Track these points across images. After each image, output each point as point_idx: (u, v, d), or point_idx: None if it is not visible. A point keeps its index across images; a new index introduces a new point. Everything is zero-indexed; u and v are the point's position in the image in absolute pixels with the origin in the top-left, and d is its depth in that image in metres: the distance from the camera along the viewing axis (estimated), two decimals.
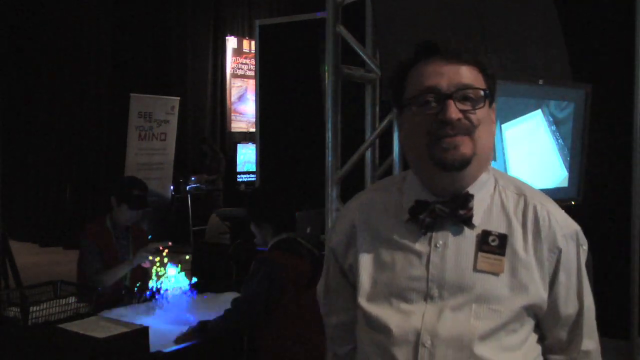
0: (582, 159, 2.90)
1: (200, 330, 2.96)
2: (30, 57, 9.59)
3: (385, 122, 2.51)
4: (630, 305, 3.75)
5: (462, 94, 1.29)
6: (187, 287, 3.50)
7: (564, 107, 2.81)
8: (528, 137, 2.69)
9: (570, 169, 2.86)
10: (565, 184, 2.88)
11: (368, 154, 2.56)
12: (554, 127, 2.77)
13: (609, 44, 3.85)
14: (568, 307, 1.36)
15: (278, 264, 2.97)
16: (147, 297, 3.52)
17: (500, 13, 2.65)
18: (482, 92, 1.31)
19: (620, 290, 3.79)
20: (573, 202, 2.90)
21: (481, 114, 1.30)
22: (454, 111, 1.27)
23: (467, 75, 1.31)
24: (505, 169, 2.58)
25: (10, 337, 2.96)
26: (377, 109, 2.68)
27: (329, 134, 2.48)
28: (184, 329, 3.04)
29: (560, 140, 2.81)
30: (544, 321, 1.36)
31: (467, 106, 1.29)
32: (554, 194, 2.77)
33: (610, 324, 3.76)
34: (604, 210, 3.91)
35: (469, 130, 1.29)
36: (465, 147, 1.28)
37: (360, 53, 2.54)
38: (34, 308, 2.92)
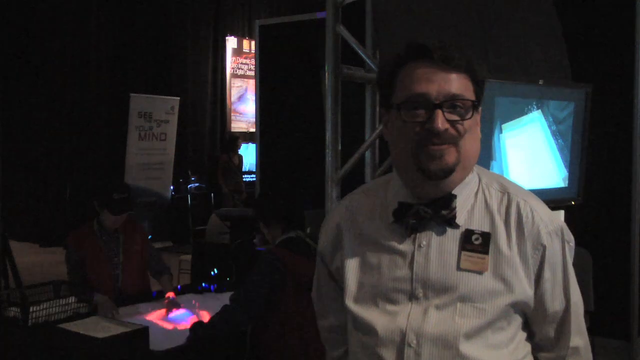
0: (582, 159, 2.90)
1: (193, 333, 2.94)
2: (30, 57, 9.59)
3: None
4: (630, 305, 3.75)
5: (451, 104, 1.28)
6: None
7: (564, 107, 2.81)
8: (528, 137, 2.69)
9: (570, 169, 2.86)
10: (565, 184, 2.88)
11: (368, 154, 2.56)
12: (554, 127, 2.77)
13: (609, 44, 3.84)
14: (554, 304, 1.36)
15: (281, 262, 2.97)
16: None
17: (501, 13, 2.65)
18: (470, 103, 1.30)
19: (620, 290, 3.79)
20: (573, 202, 2.90)
21: (468, 122, 1.30)
22: (441, 121, 1.27)
23: (457, 84, 1.30)
24: (504, 169, 2.58)
25: (10, 337, 2.96)
26: (377, 109, 2.68)
27: (329, 134, 2.47)
28: (183, 329, 3.04)
29: (560, 140, 2.81)
30: (531, 318, 1.37)
31: (455, 116, 1.29)
32: (554, 194, 2.77)
33: (610, 324, 3.77)
34: (604, 210, 3.91)
35: (455, 140, 1.29)
36: (449, 156, 1.29)
37: (360, 53, 2.53)
38: (34, 308, 2.92)
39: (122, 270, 3.67)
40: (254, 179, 7.56)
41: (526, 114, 2.66)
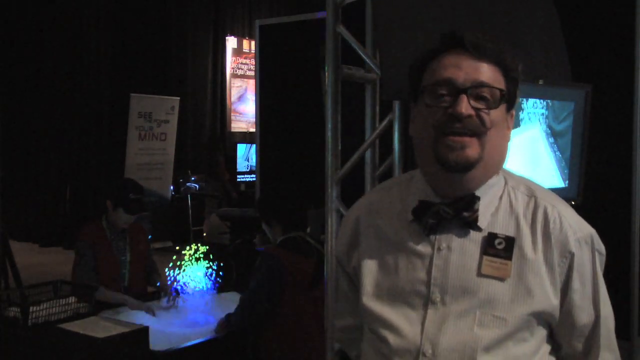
0: (582, 159, 2.90)
1: (227, 322, 3.05)
2: (30, 57, 9.59)
3: (385, 122, 2.51)
4: (630, 305, 3.75)
5: (477, 91, 1.23)
6: (207, 288, 3.53)
7: (564, 107, 2.81)
8: (528, 137, 2.69)
9: (570, 169, 2.86)
10: (565, 184, 2.88)
11: (368, 154, 2.55)
12: (554, 127, 2.77)
13: (609, 44, 3.84)
14: (583, 316, 1.28)
15: (280, 261, 2.98)
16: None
17: (500, 13, 2.65)
18: (498, 93, 1.25)
19: (620, 290, 3.79)
20: (573, 202, 2.89)
21: (495, 116, 1.25)
22: (465, 106, 1.21)
23: (487, 73, 1.25)
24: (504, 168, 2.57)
25: (10, 337, 2.96)
26: (377, 109, 2.68)
27: (329, 134, 2.47)
28: (184, 329, 3.05)
29: (560, 140, 2.81)
30: (557, 331, 1.30)
31: (480, 105, 1.23)
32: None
33: None
34: (604, 210, 3.91)
35: (479, 131, 1.23)
36: (471, 149, 1.23)
37: (360, 53, 2.53)
38: (34, 308, 2.92)
39: (128, 269, 3.71)
40: (254, 179, 7.56)
41: (525, 121, 2.65)
